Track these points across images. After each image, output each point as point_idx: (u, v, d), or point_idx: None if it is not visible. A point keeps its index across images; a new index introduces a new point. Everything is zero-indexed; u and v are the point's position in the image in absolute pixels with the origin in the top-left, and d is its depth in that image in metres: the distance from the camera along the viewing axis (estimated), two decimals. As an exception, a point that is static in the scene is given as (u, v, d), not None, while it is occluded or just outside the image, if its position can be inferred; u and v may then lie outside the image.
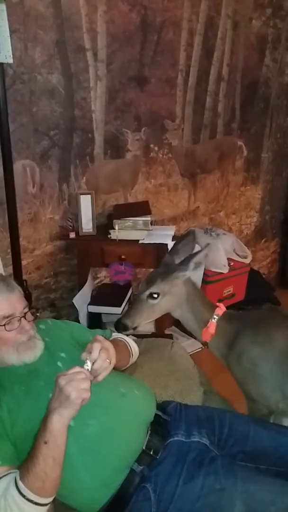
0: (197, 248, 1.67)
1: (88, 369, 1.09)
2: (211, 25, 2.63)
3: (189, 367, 1.74)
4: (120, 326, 1.54)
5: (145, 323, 1.61)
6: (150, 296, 1.54)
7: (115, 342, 1.40)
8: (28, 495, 1.04)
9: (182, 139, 2.76)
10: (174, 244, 1.69)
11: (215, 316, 1.56)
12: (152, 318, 1.63)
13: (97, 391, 1.25)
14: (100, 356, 1.11)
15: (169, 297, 1.55)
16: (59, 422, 1.04)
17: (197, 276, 2.47)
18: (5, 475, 1.08)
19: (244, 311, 1.73)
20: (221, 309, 1.59)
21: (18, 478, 1.05)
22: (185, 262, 1.53)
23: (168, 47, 2.52)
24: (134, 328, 1.56)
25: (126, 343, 1.53)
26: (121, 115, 2.47)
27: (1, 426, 1.15)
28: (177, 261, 1.59)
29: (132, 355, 1.52)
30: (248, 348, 1.50)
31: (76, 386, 1.03)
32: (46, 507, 1.09)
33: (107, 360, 1.12)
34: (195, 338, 1.69)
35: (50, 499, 1.09)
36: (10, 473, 1.08)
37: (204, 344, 1.61)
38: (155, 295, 1.53)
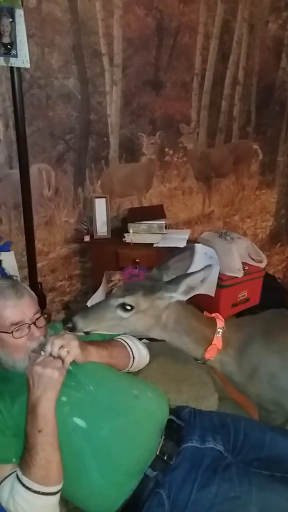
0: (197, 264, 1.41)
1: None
2: (227, 28, 2.62)
3: (204, 372, 1.73)
4: (69, 323, 1.25)
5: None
6: (122, 306, 1.27)
7: (107, 342, 1.41)
8: (34, 487, 1.05)
9: (197, 142, 2.76)
10: (167, 258, 1.42)
11: (219, 330, 1.39)
12: (113, 332, 1.36)
13: (110, 393, 1.27)
14: (54, 342, 1.17)
15: (143, 317, 1.30)
16: (48, 406, 1.10)
17: (211, 279, 2.46)
18: (10, 474, 1.10)
19: (248, 317, 1.63)
20: (221, 320, 1.43)
21: (20, 474, 1.07)
22: (175, 281, 1.28)
23: (184, 51, 2.51)
24: (86, 333, 1.29)
25: (125, 344, 1.49)
26: (136, 119, 2.48)
27: (14, 426, 1.16)
28: (166, 278, 1.36)
29: (134, 357, 1.48)
30: (265, 359, 1.40)
31: (54, 366, 1.12)
32: (56, 496, 1.10)
33: (64, 349, 1.17)
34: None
35: (58, 487, 1.10)
36: (13, 472, 1.10)
37: (202, 360, 1.43)
38: (128, 307, 1.27)
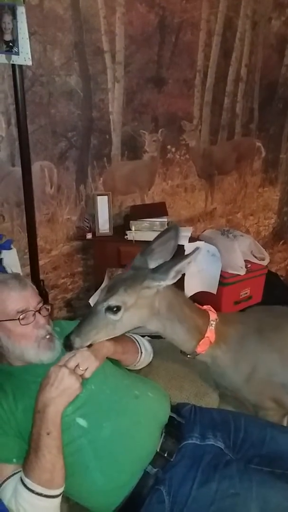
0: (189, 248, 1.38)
1: None
2: (230, 25, 2.60)
3: (205, 369, 1.73)
4: (67, 343, 1.19)
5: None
6: (109, 309, 1.20)
7: (120, 337, 1.40)
8: (37, 490, 1.05)
9: (199, 140, 2.75)
10: (150, 243, 1.33)
11: (212, 322, 1.34)
12: (114, 335, 1.27)
13: (111, 393, 1.27)
14: (68, 365, 1.16)
15: (135, 311, 1.24)
16: (58, 410, 1.10)
17: (214, 277, 2.46)
18: (13, 475, 1.10)
19: (239, 313, 1.60)
20: (213, 312, 1.38)
21: (23, 476, 1.07)
22: (163, 269, 1.21)
23: (186, 48, 2.51)
24: (88, 346, 1.22)
25: (134, 339, 1.52)
26: (138, 116, 2.47)
27: (16, 426, 1.16)
28: (151, 263, 1.29)
29: (142, 352, 1.51)
30: (263, 358, 1.39)
31: (79, 378, 1.13)
32: (59, 499, 1.11)
33: (80, 368, 1.17)
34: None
35: (60, 490, 1.10)
36: (17, 472, 1.10)
37: (193, 355, 1.38)
38: (115, 309, 1.21)
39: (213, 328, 1.34)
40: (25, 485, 1.06)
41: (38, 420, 1.09)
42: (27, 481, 1.06)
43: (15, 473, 1.10)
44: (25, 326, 1.23)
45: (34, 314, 1.25)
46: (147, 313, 1.27)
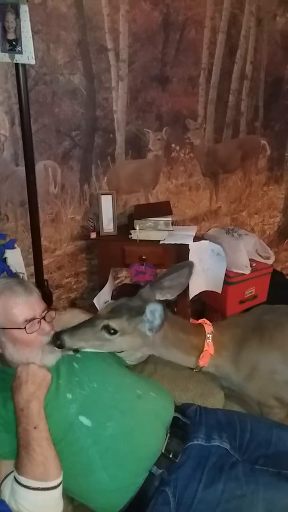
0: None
1: None
2: (234, 22, 2.59)
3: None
4: (57, 341, 1.23)
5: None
6: (106, 328, 1.25)
7: None
8: (33, 485, 1.06)
9: (204, 138, 2.74)
10: (162, 275, 1.35)
11: (208, 336, 1.38)
12: (99, 350, 1.30)
13: (114, 391, 1.27)
14: None
15: (129, 338, 1.28)
16: (39, 404, 1.13)
17: (218, 276, 2.45)
18: (10, 473, 1.11)
19: (235, 318, 1.61)
20: (208, 324, 1.41)
21: (17, 475, 1.08)
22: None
23: (191, 45, 2.49)
24: (75, 350, 1.27)
25: None
26: (142, 115, 2.46)
27: (13, 421, 1.16)
28: (158, 297, 1.32)
29: None
30: (265, 357, 1.40)
31: (46, 370, 1.19)
32: (58, 490, 1.11)
33: None
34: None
35: (58, 481, 1.10)
36: (12, 471, 1.11)
37: (197, 368, 1.42)
38: (112, 331, 1.25)
39: (210, 341, 1.37)
40: (20, 483, 1.07)
41: (23, 417, 1.11)
42: (22, 478, 1.07)
43: (11, 472, 1.10)
44: (31, 334, 1.23)
45: (39, 322, 1.25)
46: (140, 343, 1.31)
